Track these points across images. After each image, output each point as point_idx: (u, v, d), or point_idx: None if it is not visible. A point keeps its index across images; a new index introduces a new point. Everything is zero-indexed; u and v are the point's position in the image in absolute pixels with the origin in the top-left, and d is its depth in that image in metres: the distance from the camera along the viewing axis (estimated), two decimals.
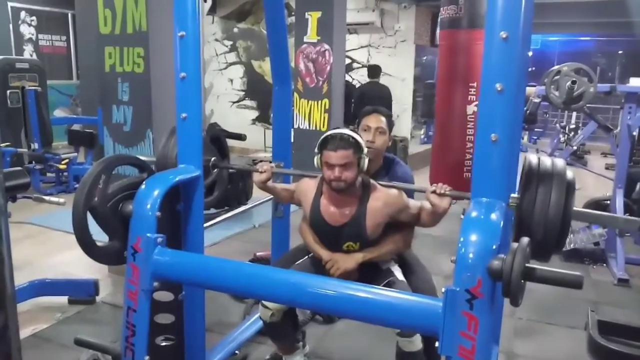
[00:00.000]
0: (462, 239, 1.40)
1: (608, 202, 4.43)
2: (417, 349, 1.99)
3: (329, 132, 1.98)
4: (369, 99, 6.06)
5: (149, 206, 1.75)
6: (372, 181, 2.04)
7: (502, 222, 1.45)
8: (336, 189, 1.95)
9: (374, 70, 6.95)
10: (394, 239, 2.09)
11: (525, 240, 1.37)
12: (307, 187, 2.13)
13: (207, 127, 2.08)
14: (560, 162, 1.61)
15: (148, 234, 1.73)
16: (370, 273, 2.07)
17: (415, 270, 2.24)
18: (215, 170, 2.18)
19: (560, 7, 8.29)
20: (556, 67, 3.87)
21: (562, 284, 1.34)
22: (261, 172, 2.14)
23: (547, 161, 1.60)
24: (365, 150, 1.96)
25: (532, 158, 1.62)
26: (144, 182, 1.82)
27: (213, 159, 2.15)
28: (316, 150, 1.98)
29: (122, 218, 1.87)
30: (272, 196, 2.72)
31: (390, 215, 2.01)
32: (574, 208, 1.56)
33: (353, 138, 1.93)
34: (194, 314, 2.05)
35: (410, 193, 2.11)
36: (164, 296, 1.95)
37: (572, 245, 4.21)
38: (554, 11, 8.29)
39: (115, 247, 1.89)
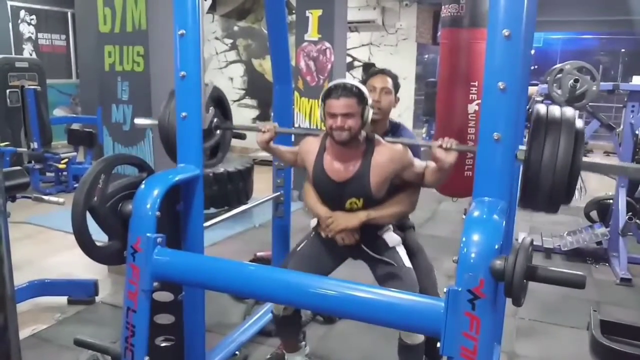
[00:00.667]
0: (464, 239, 1.39)
1: (611, 201, 4.41)
2: (419, 342, 1.99)
3: (332, 83, 1.93)
4: None
5: (148, 206, 1.74)
6: (376, 136, 1.99)
7: (504, 222, 1.44)
8: (339, 140, 1.90)
9: (369, 69, 6.94)
10: (398, 200, 2.04)
11: (527, 240, 1.36)
12: (311, 145, 2.08)
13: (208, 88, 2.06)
14: (569, 111, 1.58)
15: (148, 234, 1.72)
16: (374, 244, 2.05)
17: (417, 260, 2.22)
18: (218, 131, 2.16)
19: (563, 4, 8.26)
20: (559, 65, 3.85)
21: (565, 284, 1.33)
22: (264, 132, 2.08)
23: (555, 110, 1.58)
24: (370, 101, 1.92)
25: (541, 107, 1.60)
26: (143, 182, 1.82)
27: (215, 120, 2.12)
28: (320, 101, 1.94)
29: (121, 218, 1.86)
30: (272, 195, 2.71)
31: (395, 171, 1.96)
32: (583, 158, 1.54)
33: (357, 87, 1.88)
34: (194, 315, 2.04)
35: (416, 152, 2.07)
36: (164, 296, 1.94)
37: (574, 245, 4.20)
38: (556, 9, 8.26)
39: (115, 247, 1.88)
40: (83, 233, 1.79)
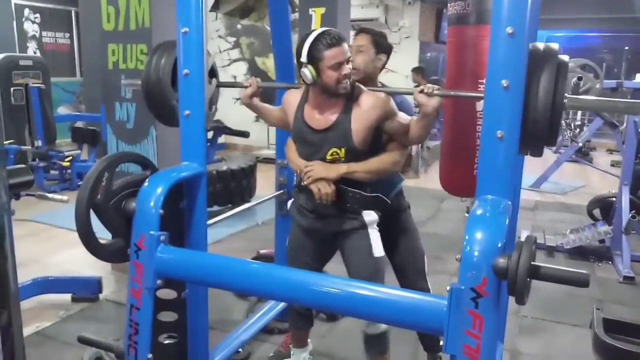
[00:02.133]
0: (467, 237, 1.39)
1: (614, 199, 4.41)
2: (382, 330, 2.03)
3: (311, 36, 1.81)
4: None
5: (152, 203, 1.74)
6: (358, 84, 1.93)
7: (507, 220, 1.44)
8: (346, 87, 1.84)
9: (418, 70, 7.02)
10: (382, 157, 1.96)
11: (531, 238, 1.36)
12: (292, 96, 2.02)
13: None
14: (553, 45, 1.54)
15: (151, 232, 1.72)
16: (345, 211, 1.96)
17: (406, 241, 2.24)
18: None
19: (566, 2, 8.25)
20: None
21: (568, 282, 1.33)
22: (247, 87, 2.06)
23: (539, 45, 1.54)
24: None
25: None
26: (147, 180, 1.82)
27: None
28: (305, 59, 1.81)
29: (125, 215, 1.87)
30: (276, 193, 2.72)
31: (378, 118, 1.88)
32: (567, 95, 1.49)
33: (334, 30, 1.84)
34: (197, 312, 2.05)
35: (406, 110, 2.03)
36: (167, 294, 1.94)
37: (577, 243, 4.20)
38: (560, 6, 8.25)
39: (119, 244, 1.88)
40: (87, 231, 1.80)
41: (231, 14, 9.24)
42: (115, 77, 3.46)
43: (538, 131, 1.48)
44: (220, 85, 2.18)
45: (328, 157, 1.91)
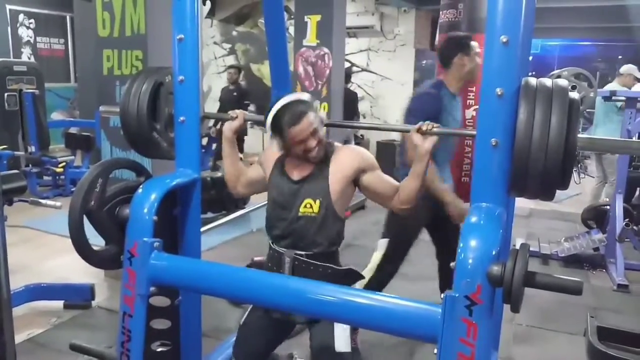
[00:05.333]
0: (461, 245, 1.39)
1: (608, 207, 4.42)
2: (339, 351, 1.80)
3: (274, 109, 1.73)
4: None
5: (145, 210, 1.73)
6: (332, 142, 1.84)
7: (501, 228, 1.44)
8: (316, 157, 1.75)
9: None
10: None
11: (526, 245, 1.36)
12: (273, 154, 1.86)
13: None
14: (562, 81, 1.47)
15: (145, 239, 1.71)
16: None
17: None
18: None
19: (560, 11, 8.30)
20: (556, 71, 3.86)
21: (562, 290, 1.33)
22: (233, 119, 1.91)
23: (546, 81, 1.47)
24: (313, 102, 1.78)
25: (530, 79, 1.48)
26: (140, 186, 1.81)
27: None
28: (270, 132, 1.76)
29: (118, 222, 1.86)
30: None
31: (356, 169, 1.77)
32: (579, 135, 1.40)
33: (301, 100, 1.74)
34: (190, 319, 2.03)
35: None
36: (161, 301, 1.93)
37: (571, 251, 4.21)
38: (553, 16, 8.30)
39: (112, 251, 1.87)
40: (80, 237, 1.79)
41: (227, 21, 9.25)
42: (110, 83, 3.45)
43: (552, 177, 1.39)
44: (206, 116, 2.04)
45: (301, 210, 1.76)
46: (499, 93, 1.48)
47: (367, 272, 2.62)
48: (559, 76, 3.78)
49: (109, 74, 3.46)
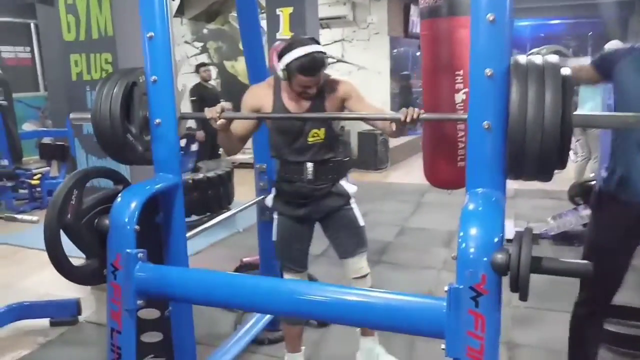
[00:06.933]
0: (461, 234, 1.33)
1: (594, 182, 4.43)
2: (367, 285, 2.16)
3: (294, 52, 1.95)
4: None
5: (126, 220, 1.64)
6: (327, 73, 2.09)
7: (502, 213, 1.39)
8: (311, 96, 2.04)
9: None
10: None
11: (529, 228, 1.30)
12: (262, 90, 2.15)
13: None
14: (552, 57, 1.44)
15: (128, 250, 1.63)
16: (332, 196, 2.17)
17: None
18: None
19: None
20: (535, 49, 3.84)
21: (571, 274, 1.29)
22: (218, 118, 1.85)
23: (536, 59, 1.43)
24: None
25: (519, 57, 1.44)
26: (119, 195, 1.72)
27: None
28: (282, 65, 1.97)
29: (98, 234, 1.76)
30: (256, 199, 2.63)
31: (344, 95, 2.09)
32: (575, 112, 1.36)
33: (321, 52, 1.98)
34: (182, 330, 1.95)
35: None
36: (150, 313, 1.84)
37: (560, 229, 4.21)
38: None
39: (94, 266, 1.77)
40: (58, 254, 1.69)
41: (197, 19, 9.06)
42: (79, 89, 3.33)
43: (549, 159, 1.36)
44: (183, 117, 1.91)
45: (309, 139, 2.09)
46: (489, 74, 1.43)
47: None
48: (538, 54, 3.76)
49: (78, 79, 3.34)
